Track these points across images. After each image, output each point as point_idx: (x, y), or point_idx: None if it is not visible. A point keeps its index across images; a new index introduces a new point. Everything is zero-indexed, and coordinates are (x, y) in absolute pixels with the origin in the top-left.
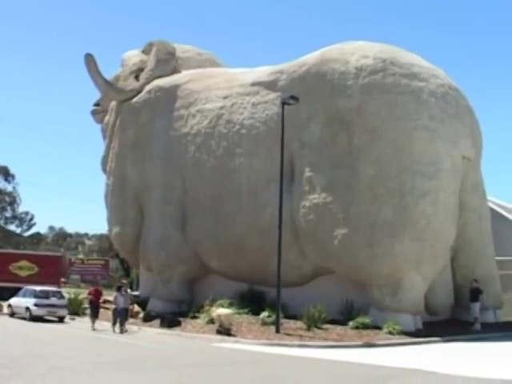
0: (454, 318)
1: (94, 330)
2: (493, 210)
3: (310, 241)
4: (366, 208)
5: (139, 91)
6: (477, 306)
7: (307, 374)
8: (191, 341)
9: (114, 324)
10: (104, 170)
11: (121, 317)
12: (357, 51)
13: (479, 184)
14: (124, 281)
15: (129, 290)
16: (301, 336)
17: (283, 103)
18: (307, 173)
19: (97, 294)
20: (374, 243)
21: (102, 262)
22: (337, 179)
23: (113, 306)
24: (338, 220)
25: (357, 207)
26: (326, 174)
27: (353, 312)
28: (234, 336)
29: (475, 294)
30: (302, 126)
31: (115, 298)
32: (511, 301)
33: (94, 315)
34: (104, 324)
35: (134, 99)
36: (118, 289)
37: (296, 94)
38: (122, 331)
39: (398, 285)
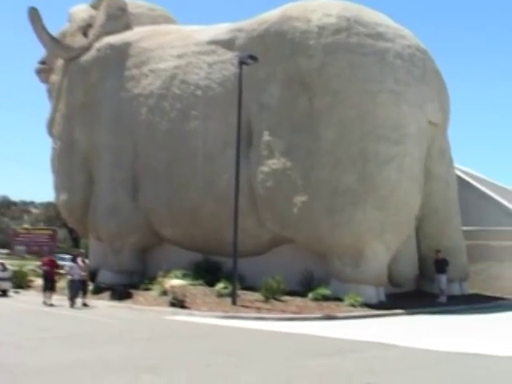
0: (419, 290)
1: (51, 305)
2: (460, 178)
3: (268, 208)
4: (327, 174)
5: (88, 49)
6: (443, 277)
7: (264, 347)
8: (143, 314)
9: (71, 298)
10: (50, 133)
11: (77, 290)
12: (319, 9)
13: (446, 150)
14: (81, 250)
15: (87, 261)
16: (258, 308)
17: (241, 63)
18: (266, 137)
19: (52, 265)
20: (335, 211)
21: (49, 232)
22: (297, 144)
23: (68, 278)
24: (298, 187)
25: (317, 173)
26: (285, 138)
27: (313, 283)
28: (188, 308)
29: (442, 265)
30: (261, 88)
31: (71, 268)
32: (478, 272)
33: (50, 288)
34: (55, 298)
35: (83, 57)
36: (74, 259)
37: (255, 53)
38: (80, 305)
39: (360, 255)
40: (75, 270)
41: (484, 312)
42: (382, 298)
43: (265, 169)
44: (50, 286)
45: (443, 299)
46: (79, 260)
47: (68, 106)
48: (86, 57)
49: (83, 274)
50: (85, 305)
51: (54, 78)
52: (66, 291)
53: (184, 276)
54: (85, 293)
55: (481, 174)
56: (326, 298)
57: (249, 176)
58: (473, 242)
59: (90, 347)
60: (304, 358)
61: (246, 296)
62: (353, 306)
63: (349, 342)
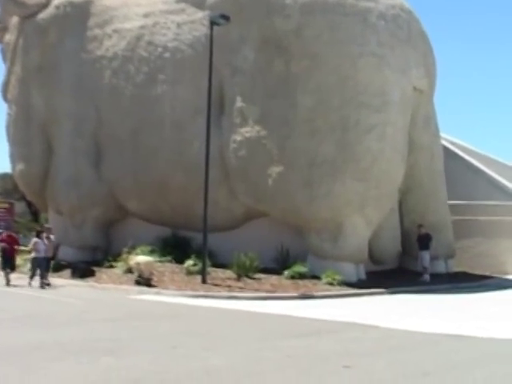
0: (401, 268)
1: (10, 284)
2: (446, 149)
3: (241, 180)
4: (305, 144)
5: (45, 6)
6: (426, 254)
7: (235, 328)
8: (106, 293)
9: (31, 276)
10: (5, 97)
11: (41, 268)
12: None
13: (431, 119)
14: (47, 225)
15: (52, 237)
16: (230, 287)
17: (212, 23)
18: (239, 103)
19: (11, 241)
20: (312, 183)
21: (6, 206)
22: (272, 111)
23: (31, 255)
24: (273, 157)
25: (294, 143)
26: (259, 104)
27: (288, 260)
28: (155, 287)
29: (425, 241)
30: (234, 50)
31: (35, 244)
32: (465, 249)
33: (9, 267)
34: (14, 277)
35: (40, 15)
36: (38, 234)
37: (227, 13)
38: (43, 285)
39: (339, 230)
40: (40, 245)
41: (470, 291)
42: (362, 276)
43: (238, 137)
44: (9, 265)
45: (426, 277)
46: (44, 236)
47: (24, 69)
48: (44, 14)
49: (50, 251)
50: (45, 284)
51: (9, 37)
52: (28, 269)
53: (151, 252)
54: (47, 271)
55: (469, 144)
56: (302, 276)
57: (220, 145)
58: (460, 217)
59: (47, 329)
60: (277, 339)
61: (216, 274)
62: (331, 284)
63: (326, 322)
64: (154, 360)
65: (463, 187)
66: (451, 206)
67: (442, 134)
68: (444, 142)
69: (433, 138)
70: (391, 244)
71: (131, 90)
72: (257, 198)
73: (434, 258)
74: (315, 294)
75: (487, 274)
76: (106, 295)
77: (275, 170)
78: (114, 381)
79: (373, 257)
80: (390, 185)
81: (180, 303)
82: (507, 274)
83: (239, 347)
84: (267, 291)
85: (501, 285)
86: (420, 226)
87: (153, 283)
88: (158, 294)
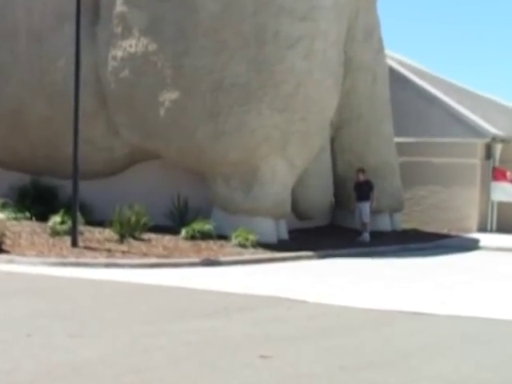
0: (334, 225)
1: None
2: (393, 70)
3: (123, 110)
4: (208, 62)
5: None
6: (366, 207)
7: (116, 306)
8: None
9: None
10: None
11: None
12: None
13: (374, 32)
14: None
15: None
16: (109, 251)
17: None
18: (119, 7)
19: None
20: (218, 114)
21: None
22: (164, 18)
23: None
24: (166, 79)
25: (193, 60)
26: (148, 9)
27: (187, 215)
28: (8, 253)
29: (364, 190)
30: None
31: None
32: (416, 201)
33: None
34: None
35: None
36: None
37: None
38: None
39: (254, 175)
40: None
41: (423, 254)
42: (284, 235)
43: (118, 53)
44: None
45: (366, 237)
46: None
47: None
48: None
49: None
50: None
51: None
52: None
53: (3, 207)
54: None
55: (422, 65)
56: (205, 236)
57: (95, 63)
58: (409, 159)
59: None
60: (172, 320)
61: (92, 234)
62: (243, 246)
63: (236, 296)
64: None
65: (414, 120)
66: (399, 144)
67: (388, 52)
68: (390, 62)
69: (375, 56)
70: (321, 194)
71: None
72: (145, 134)
73: (376, 212)
74: (222, 259)
75: (445, 231)
76: None
77: (169, 96)
78: None
79: (298, 211)
80: (320, 117)
81: (41, 274)
82: (470, 231)
83: (119, 333)
84: (159, 256)
85: (462, 246)
86: (360, 170)
87: (5, 248)
88: (10, 262)
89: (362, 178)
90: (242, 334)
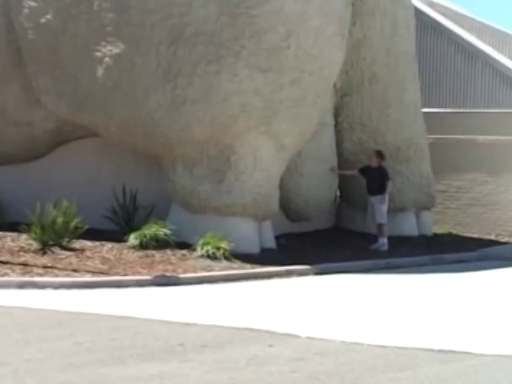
0: (339, 228)
1: None
2: (420, 15)
3: (46, 69)
4: (163, 2)
5: None
6: (381, 203)
7: (27, 343)
8: None
9: None
10: None
11: None
12: None
13: None
14: None
15: None
16: (26, 266)
17: None
18: None
19: None
20: (177, 75)
21: None
22: None
23: None
24: (105, 26)
25: (143, 0)
26: None
27: (136, 216)
28: None
29: (375, 179)
30: None
31: None
32: (451, 194)
33: None
34: None
35: None
36: None
37: None
38: None
39: (227, 160)
40: None
41: (460, 269)
42: (270, 242)
43: None
44: None
45: (382, 244)
46: None
47: None
48: None
49: None
50: None
51: None
52: None
53: None
54: None
55: (462, 8)
56: (160, 244)
57: (4, 2)
58: (444, 138)
59: None
60: (106, 364)
61: (2, 242)
62: (212, 258)
63: (198, 329)
64: None
65: (450, 83)
66: (428, 116)
67: None
68: (417, 4)
69: None
70: (321, 186)
71: None
72: (76, 103)
73: (397, 210)
74: (183, 276)
75: (492, 237)
76: None
77: (109, 50)
78: None
79: (288, 209)
80: (319, 79)
81: None
82: None
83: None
84: (95, 272)
85: None
86: (378, 153)
87: None
88: None
89: (375, 163)
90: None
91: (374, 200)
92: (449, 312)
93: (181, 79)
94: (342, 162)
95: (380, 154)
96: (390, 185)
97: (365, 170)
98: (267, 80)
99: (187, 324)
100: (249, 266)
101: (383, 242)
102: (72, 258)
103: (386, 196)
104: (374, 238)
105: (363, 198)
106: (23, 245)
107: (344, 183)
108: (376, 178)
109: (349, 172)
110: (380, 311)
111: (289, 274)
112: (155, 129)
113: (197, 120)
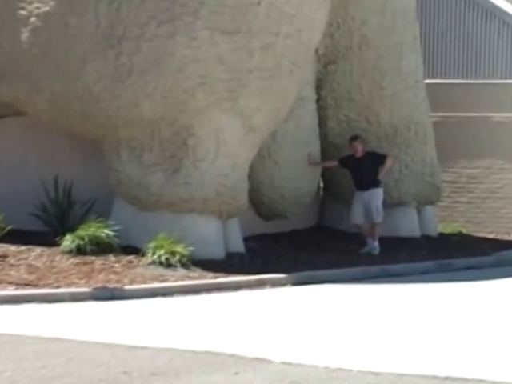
0: (323, 227)
1: None
2: None
3: None
4: None
5: None
6: (375, 197)
7: None
8: None
9: None
10: None
11: None
12: None
13: None
14: None
15: None
16: None
17: None
18: None
19: None
20: (120, 38)
21: None
22: None
23: None
24: None
25: None
26: None
27: (71, 213)
28: None
29: (365, 169)
30: None
31: None
32: (461, 184)
33: None
34: None
35: None
36: None
37: None
38: None
39: (183, 143)
40: None
41: (472, 277)
42: (238, 246)
43: None
44: None
45: (374, 247)
46: None
47: None
48: None
49: None
50: None
51: None
52: None
53: None
54: None
55: None
56: (101, 249)
57: None
58: (452, 116)
59: None
60: None
61: None
62: (166, 265)
63: (147, 353)
64: None
65: (460, 48)
66: (432, 89)
67: None
68: None
69: None
70: (300, 177)
71: None
72: None
73: (394, 206)
74: (129, 287)
75: (511, 237)
76: None
77: (36, 7)
78: None
79: (261, 204)
80: (297, 43)
81: None
82: None
83: None
84: (20, 284)
85: None
86: (354, 138)
87: None
88: None
89: (360, 151)
90: None
91: (369, 195)
92: (457, 331)
93: (126, 44)
94: (327, 146)
95: (357, 138)
96: (390, 159)
97: (348, 161)
98: (233, 45)
99: (134, 347)
100: (211, 274)
101: (375, 245)
102: None
103: (380, 189)
104: (364, 240)
105: (352, 190)
106: None
107: (329, 172)
108: (367, 168)
109: (328, 164)
110: (372, 330)
111: (261, 284)
112: (94, 106)
113: (146, 95)
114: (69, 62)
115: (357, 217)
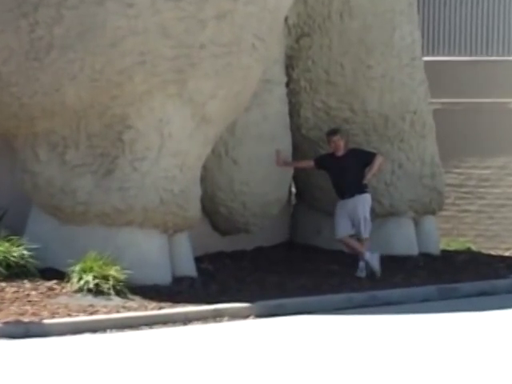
0: (295, 244)
1: None
2: None
3: None
4: None
5: None
6: (361, 205)
7: None
8: None
9: None
10: None
11: None
12: None
13: None
14: None
15: None
16: None
17: None
18: None
19: None
20: (37, 5)
21: None
22: None
23: None
24: None
25: None
26: None
27: None
28: None
29: (353, 171)
30: None
31: None
32: (469, 189)
33: None
34: None
35: None
36: None
37: None
38: None
39: (117, 138)
40: None
41: (482, 306)
42: (188, 268)
43: None
44: None
45: (361, 267)
46: None
47: None
48: None
49: None
50: None
51: None
52: None
53: None
54: None
55: None
56: (15, 273)
57: None
58: (456, 102)
59: None
60: None
61: None
62: (96, 292)
63: None
64: None
65: (467, 19)
66: (432, 68)
67: None
68: None
69: None
70: (267, 180)
71: None
72: None
73: (386, 216)
74: (49, 321)
75: None
76: None
77: None
78: None
79: (217, 215)
80: (262, 11)
81: None
82: None
83: None
84: None
85: None
86: (333, 133)
87: None
88: None
89: (341, 149)
90: None
91: (353, 204)
92: (464, 376)
93: (44, 12)
94: (300, 141)
95: (336, 132)
96: (380, 158)
97: (326, 161)
98: (180, 13)
99: None
100: (154, 304)
101: (361, 266)
102: None
103: (368, 194)
104: (356, 260)
105: (333, 197)
106: None
107: (303, 175)
108: (350, 169)
109: (301, 164)
110: (360, 376)
111: (217, 316)
112: (4, 91)
113: (70, 77)
114: None
115: (343, 231)
